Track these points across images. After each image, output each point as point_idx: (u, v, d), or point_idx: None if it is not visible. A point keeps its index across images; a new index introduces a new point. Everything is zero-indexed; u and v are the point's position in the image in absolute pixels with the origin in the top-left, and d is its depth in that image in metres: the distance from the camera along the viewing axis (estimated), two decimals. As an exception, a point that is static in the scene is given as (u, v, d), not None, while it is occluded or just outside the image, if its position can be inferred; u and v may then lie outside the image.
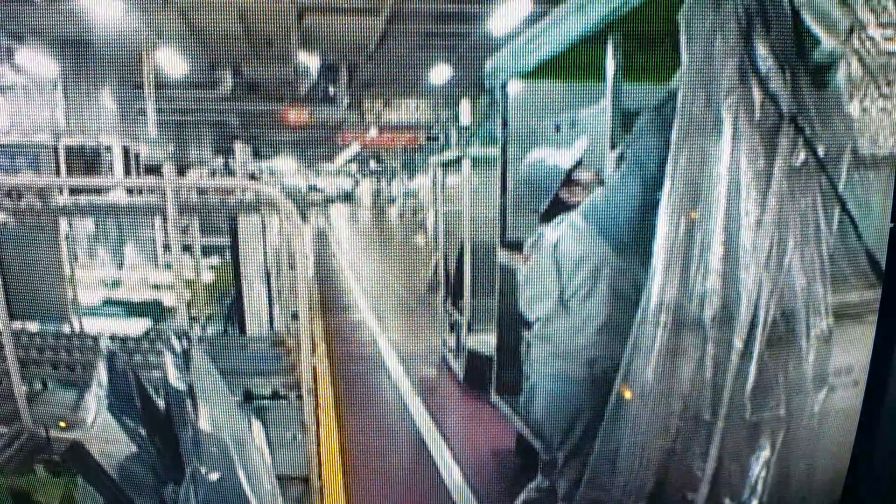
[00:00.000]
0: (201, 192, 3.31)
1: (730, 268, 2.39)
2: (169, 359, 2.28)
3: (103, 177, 11.23)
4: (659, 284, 2.60)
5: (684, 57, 2.63)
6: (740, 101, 2.36)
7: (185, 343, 2.36)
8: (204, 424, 2.18)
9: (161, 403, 2.34)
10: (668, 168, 2.62)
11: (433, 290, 9.76)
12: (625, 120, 3.94)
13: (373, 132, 21.08)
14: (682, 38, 2.63)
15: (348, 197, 46.13)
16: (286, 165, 35.93)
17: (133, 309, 6.84)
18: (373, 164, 41.95)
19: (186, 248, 4.94)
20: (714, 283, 2.43)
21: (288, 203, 2.99)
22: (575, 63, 4.71)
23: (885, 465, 2.15)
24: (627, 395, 5.04)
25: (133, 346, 3.14)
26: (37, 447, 3.15)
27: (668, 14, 3.45)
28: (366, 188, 45.58)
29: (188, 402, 2.20)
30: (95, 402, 2.25)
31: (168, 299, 7.18)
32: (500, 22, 10.27)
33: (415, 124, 20.37)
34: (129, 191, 4.50)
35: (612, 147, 3.85)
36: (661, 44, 4.17)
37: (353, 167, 45.26)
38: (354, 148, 28.63)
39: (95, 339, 3.81)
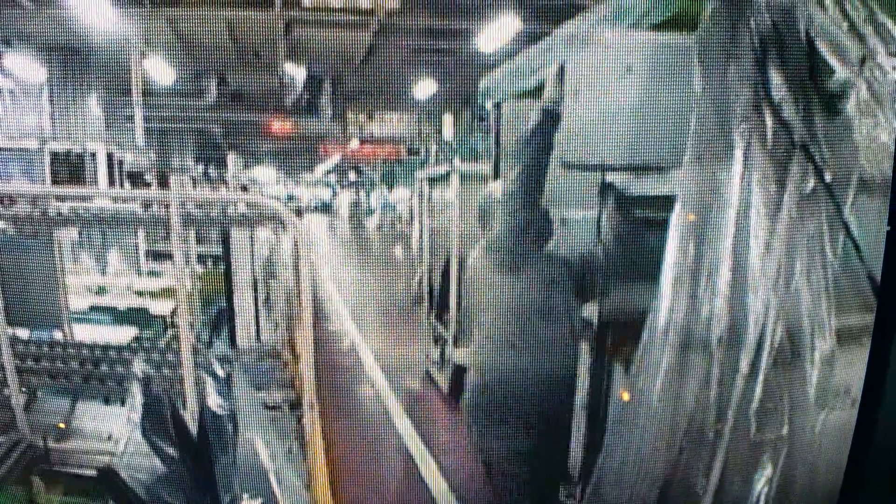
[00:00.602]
0: (200, 204, 3.33)
1: (738, 290, 2.43)
2: (210, 384, 2.30)
3: (105, 187, 11.20)
4: (667, 305, 2.63)
5: (698, 83, 2.67)
6: (753, 128, 2.41)
7: (227, 368, 2.38)
8: (245, 450, 2.21)
9: (195, 428, 2.36)
10: (679, 191, 2.67)
11: (417, 304, 9.77)
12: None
13: (354, 144, 21.07)
14: (697, 65, 2.67)
15: (327, 208, 45.92)
16: (266, 175, 35.79)
17: (119, 316, 6.84)
18: (352, 176, 41.83)
19: (170, 257, 4.95)
20: (722, 305, 2.46)
21: (292, 215, 3.04)
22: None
23: (879, 476, 2.14)
24: (626, 397, 5.10)
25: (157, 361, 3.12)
26: (35, 457, 3.16)
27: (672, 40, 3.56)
28: (344, 199, 45.44)
29: (229, 427, 2.22)
30: (127, 427, 2.26)
31: (154, 307, 7.18)
32: (488, 39, 10.36)
33: (397, 138, 20.38)
34: (115, 199, 4.52)
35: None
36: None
37: (333, 178, 45.09)
38: (335, 159, 28.56)
39: (90, 347, 3.82)
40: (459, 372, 6.91)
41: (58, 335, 4.10)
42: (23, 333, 4.04)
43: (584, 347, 4.31)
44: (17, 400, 3.14)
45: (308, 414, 3.29)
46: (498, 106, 5.59)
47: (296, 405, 3.63)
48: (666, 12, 3.36)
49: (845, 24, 2.45)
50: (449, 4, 10.11)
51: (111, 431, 3.30)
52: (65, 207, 3.34)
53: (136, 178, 15.94)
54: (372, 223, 33.76)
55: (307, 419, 3.29)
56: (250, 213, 3.31)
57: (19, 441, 3.12)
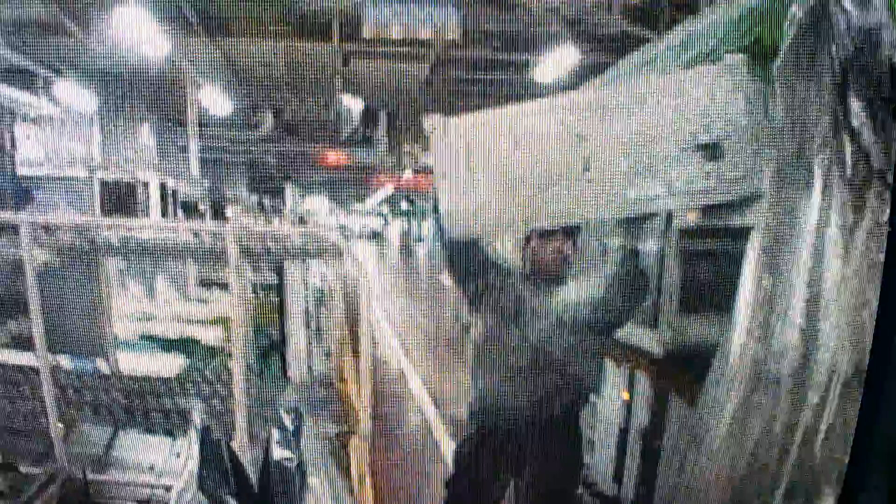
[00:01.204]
0: (257, 237, 3.25)
1: (811, 322, 2.30)
2: (276, 434, 2.19)
3: (158, 217, 11.31)
4: (740, 342, 2.52)
5: (779, 110, 2.54)
6: (833, 156, 2.28)
7: (296, 421, 2.27)
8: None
9: (254, 480, 2.24)
10: (758, 222, 2.56)
11: (466, 331, 9.62)
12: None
13: (408, 175, 21.15)
14: (778, 91, 2.54)
15: (378, 237, 46.28)
16: (320, 205, 36.20)
17: (168, 345, 6.80)
18: (404, 205, 42.10)
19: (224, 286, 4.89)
20: (795, 339, 2.33)
21: (347, 245, 2.94)
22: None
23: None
24: (625, 396, 4.96)
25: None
26: (74, 490, 3.07)
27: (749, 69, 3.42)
28: (396, 228, 45.74)
29: (295, 480, 2.11)
30: (183, 479, 2.14)
31: (204, 336, 7.15)
32: (545, 70, 10.29)
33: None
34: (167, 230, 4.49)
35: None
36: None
37: (385, 208, 45.47)
38: (388, 190, 28.76)
39: (134, 378, 3.75)
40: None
41: (102, 365, 4.04)
42: (65, 362, 3.99)
43: (644, 377, 4.17)
44: (56, 431, 3.07)
45: (360, 446, 3.17)
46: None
47: (347, 437, 3.51)
48: (743, 41, 3.23)
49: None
50: (507, 35, 10.06)
51: (153, 462, 3.22)
52: (114, 237, 3.29)
53: (190, 209, 16.14)
54: (422, 251, 33.87)
55: (358, 452, 3.17)
56: (307, 245, 3.22)
57: (57, 473, 3.05)
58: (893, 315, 2.08)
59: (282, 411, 2.22)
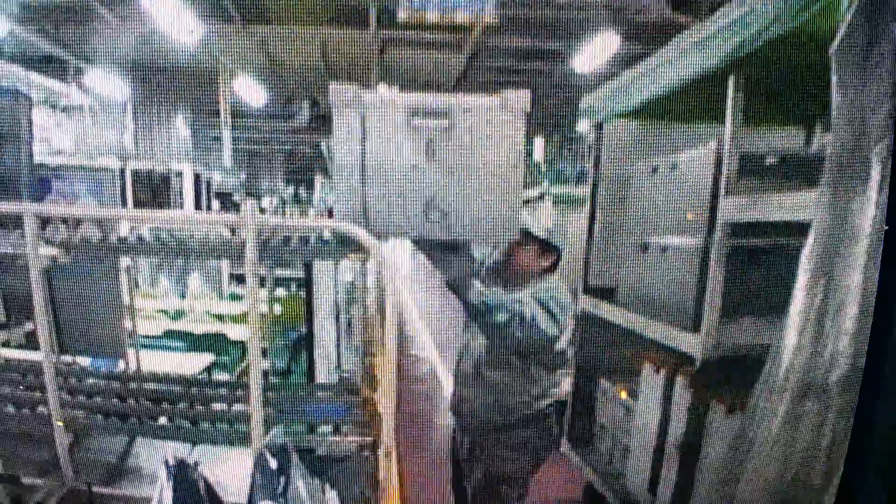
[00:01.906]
0: (284, 232, 3.00)
1: (863, 328, 2.14)
2: (257, 479, 1.91)
3: (192, 208, 11.18)
4: (791, 347, 2.39)
5: (836, 98, 2.35)
6: (889, 149, 2.11)
7: (283, 462, 1.99)
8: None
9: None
10: (814, 220, 2.40)
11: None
12: (743, 164, 3.65)
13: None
14: (834, 78, 2.34)
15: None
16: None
17: (195, 342, 6.65)
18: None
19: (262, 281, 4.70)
20: (846, 345, 2.20)
21: (377, 243, 2.70)
22: (684, 103, 4.41)
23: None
24: (623, 395, 4.79)
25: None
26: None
27: (800, 52, 3.17)
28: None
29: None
30: None
31: (233, 332, 6.98)
32: (585, 60, 9.97)
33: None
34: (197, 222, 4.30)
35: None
36: (790, 84, 3.86)
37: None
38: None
39: (154, 379, 3.54)
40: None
41: (121, 365, 3.84)
42: (80, 363, 3.81)
43: (682, 383, 3.97)
44: (62, 438, 2.85)
45: (384, 459, 2.94)
46: (600, 126, 5.26)
47: (372, 448, 3.28)
48: (797, 19, 2.98)
49: None
50: (546, 22, 9.76)
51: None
52: (145, 230, 3.07)
53: (225, 199, 16.08)
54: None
55: (383, 463, 2.94)
56: (334, 240, 2.97)
57: (58, 486, 2.83)
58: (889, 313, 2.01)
59: (266, 451, 1.93)
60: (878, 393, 2.03)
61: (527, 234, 3.32)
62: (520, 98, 2.61)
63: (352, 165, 2.62)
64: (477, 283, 2.97)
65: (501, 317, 2.97)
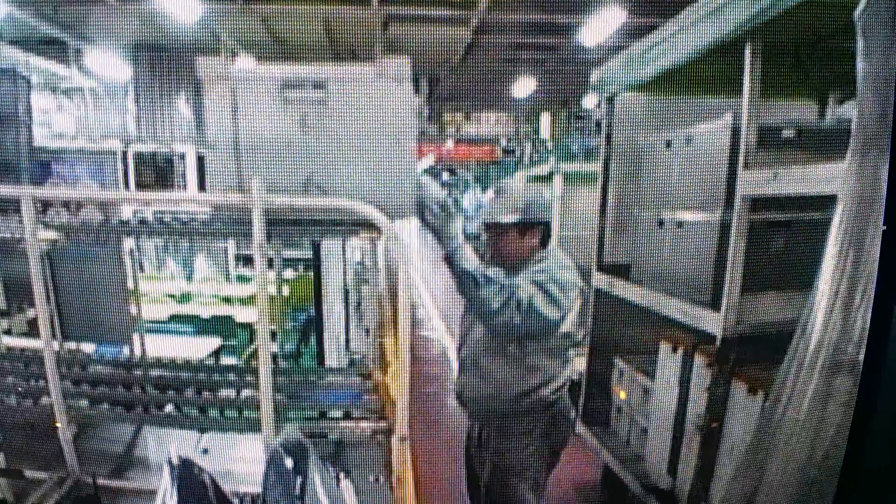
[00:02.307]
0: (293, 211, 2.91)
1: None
2: (272, 477, 1.82)
3: (195, 189, 11.06)
4: (820, 322, 2.36)
5: (861, 65, 2.27)
6: None
7: (300, 461, 1.90)
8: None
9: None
10: (841, 190, 2.35)
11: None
12: (762, 137, 3.53)
13: (449, 145, 20.80)
14: (859, 44, 2.26)
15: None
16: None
17: (202, 326, 6.58)
18: (445, 177, 41.75)
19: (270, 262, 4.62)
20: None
21: (388, 222, 2.61)
22: (699, 74, 4.29)
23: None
24: (622, 395, 4.73)
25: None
26: (82, 499, 2.79)
27: (821, 20, 3.06)
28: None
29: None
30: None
31: (241, 315, 6.91)
32: (592, 33, 9.80)
33: (493, 138, 20.02)
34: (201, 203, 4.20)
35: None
36: (809, 53, 3.74)
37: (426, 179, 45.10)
38: (429, 160, 28.49)
39: (160, 365, 3.47)
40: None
41: (126, 351, 3.77)
42: (84, 350, 3.74)
43: (701, 362, 3.88)
44: (66, 429, 2.78)
45: (398, 445, 2.87)
46: (611, 100, 5.14)
47: (386, 433, 3.21)
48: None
49: None
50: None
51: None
52: (149, 213, 2.99)
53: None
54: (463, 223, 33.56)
55: (397, 450, 2.87)
56: (342, 219, 2.88)
57: (65, 478, 2.76)
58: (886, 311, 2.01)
59: (280, 448, 1.84)
60: (879, 392, 2.04)
61: (497, 225, 3.27)
62: (398, 65, 2.50)
63: (225, 140, 2.52)
64: (473, 258, 2.93)
65: (496, 304, 2.90)
